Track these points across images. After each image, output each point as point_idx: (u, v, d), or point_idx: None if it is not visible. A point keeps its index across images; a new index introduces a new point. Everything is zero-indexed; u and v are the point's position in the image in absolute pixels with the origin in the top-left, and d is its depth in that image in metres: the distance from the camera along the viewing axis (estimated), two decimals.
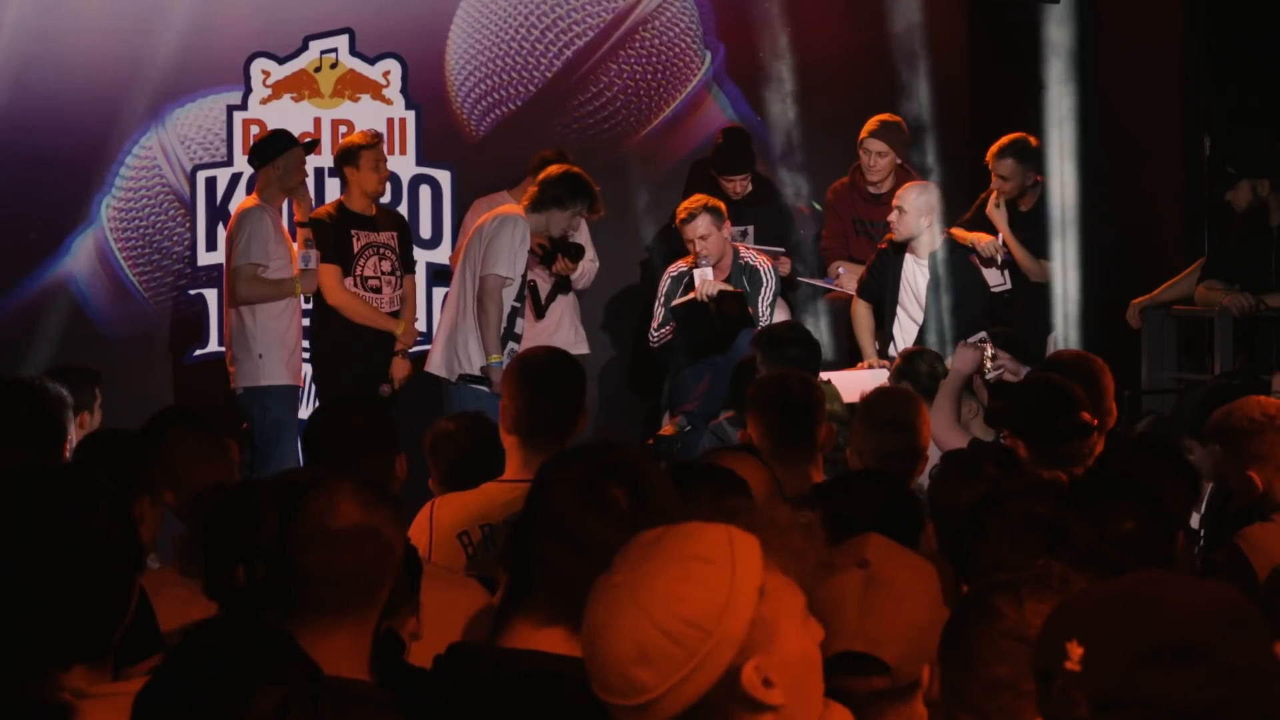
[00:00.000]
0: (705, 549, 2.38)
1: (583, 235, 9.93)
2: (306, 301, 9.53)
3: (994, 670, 2.84)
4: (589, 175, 9.44)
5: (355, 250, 9.56)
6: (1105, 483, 4.29)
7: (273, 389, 9.15)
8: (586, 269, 9.98)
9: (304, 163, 9.46)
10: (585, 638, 2.38)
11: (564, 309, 9.84)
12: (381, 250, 9.64)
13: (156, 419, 5.29)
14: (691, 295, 9.54)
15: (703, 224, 9.53)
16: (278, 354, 9.14)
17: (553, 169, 9.42)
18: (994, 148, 10.06)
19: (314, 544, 3.19)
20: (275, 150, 9.33)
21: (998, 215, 10.04)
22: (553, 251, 9.58)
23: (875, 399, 6.09)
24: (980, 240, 9.84)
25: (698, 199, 9.72)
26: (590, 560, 2.75)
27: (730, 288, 9.55)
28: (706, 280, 9.50)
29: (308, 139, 9.85)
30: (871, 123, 10.25)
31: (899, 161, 10.31)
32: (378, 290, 9.63)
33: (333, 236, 9.49)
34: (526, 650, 2.80)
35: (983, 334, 8.17)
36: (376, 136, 9.65)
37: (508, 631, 2.84)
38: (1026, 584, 2.97)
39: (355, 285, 9.56)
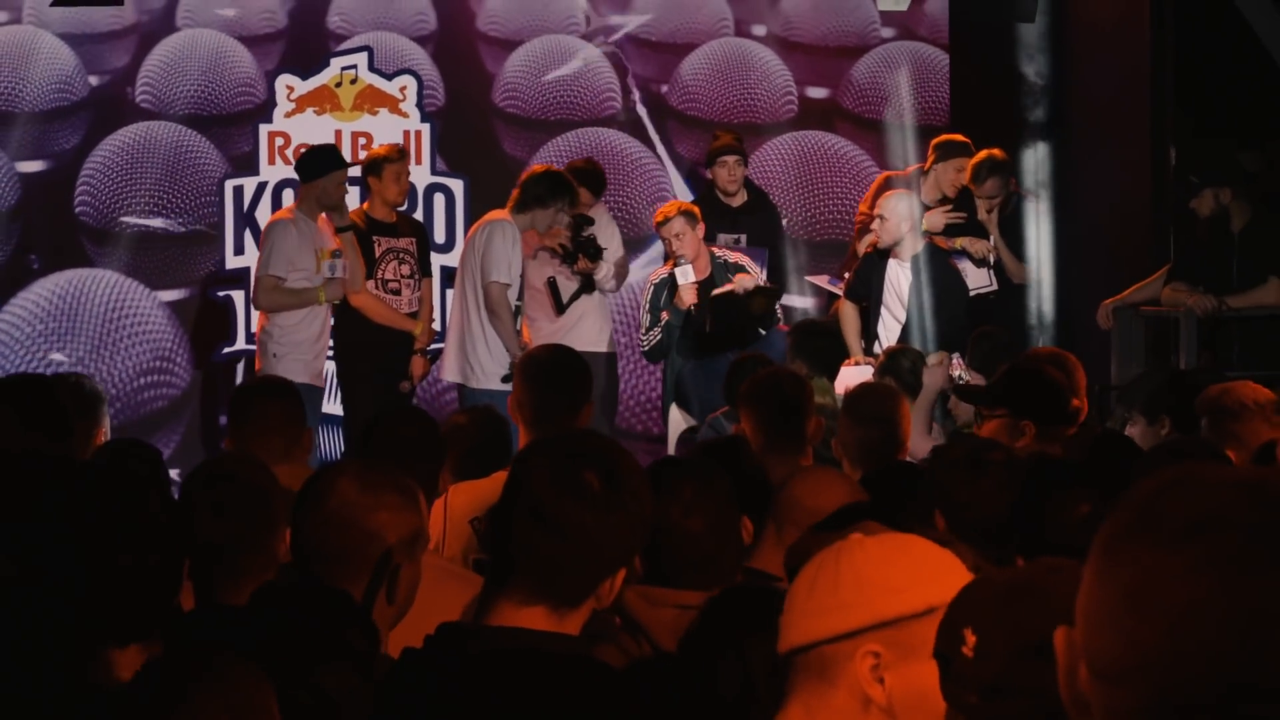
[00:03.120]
0: (925, 550, 2.41)
1: (613, 240, 9.92)
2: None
3: None
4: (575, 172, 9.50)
5: (377, 255, 9.61)
6: (1060, 468, 4.29)
7: None
8: (608, 271, 9.81)
9: (345, 181, 9.36)
10: None
11: (587, 307, 9.75)
12: (401, 255, 9.70)
13: None
14: (729, 287, 9.56)
15: (678, 224, 9.61)
16: (294, 354, 9.05)
17: (535, 168, 9.47)
18: (968, 174, 10.01)
19: (307, 517, 3.27)
20: (322, 169, 9.22)
21: (990, 221, 10.09)
22: (574, 251, 9.60)
23: (858, 394, 6.19)
24: (973, 244, 9.92)
25: (674, 204, 9.87)
26: (566, 541, 2.80)
27: (768, 284, 9.67)
28: (745, 277, 9.59)
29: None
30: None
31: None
32: (397, 292, 9.68)
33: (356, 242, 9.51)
34: (512, 627, 2.80)
35: (949, 357, 8.48)
36: (401, 152, 9.70)
37: (492, 611, 2.83)
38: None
39: (376, 287, 9.61)
